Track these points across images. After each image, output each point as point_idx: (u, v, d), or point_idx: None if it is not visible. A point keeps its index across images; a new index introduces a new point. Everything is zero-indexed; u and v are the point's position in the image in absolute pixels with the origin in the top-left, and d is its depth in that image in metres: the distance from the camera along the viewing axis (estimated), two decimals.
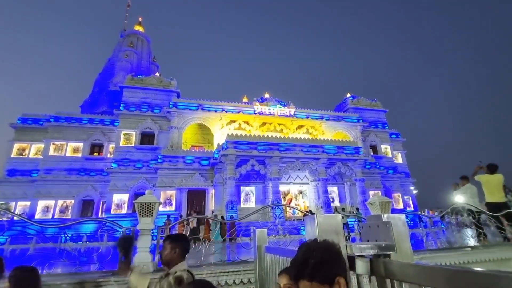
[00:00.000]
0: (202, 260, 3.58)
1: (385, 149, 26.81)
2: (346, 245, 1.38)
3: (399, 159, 27.94)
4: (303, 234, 13.71)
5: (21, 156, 21.66)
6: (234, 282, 3.29)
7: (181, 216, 17.05)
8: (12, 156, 21.49)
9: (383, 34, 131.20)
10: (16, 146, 21.85)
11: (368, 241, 1.55)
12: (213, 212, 17.95)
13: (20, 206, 20.02)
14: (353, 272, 1.40)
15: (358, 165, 19.56)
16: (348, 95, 29.40)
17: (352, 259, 1.38)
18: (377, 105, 28.90)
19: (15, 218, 18.21)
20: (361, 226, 1.71)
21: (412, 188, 26.51)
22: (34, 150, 21.98)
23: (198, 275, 3.21)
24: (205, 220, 13.88)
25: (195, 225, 13.74)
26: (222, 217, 15.36)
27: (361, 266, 1.31)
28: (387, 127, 28.05)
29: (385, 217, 1.50)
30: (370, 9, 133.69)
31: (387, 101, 34.16)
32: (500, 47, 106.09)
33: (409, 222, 14.57)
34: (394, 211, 13.03)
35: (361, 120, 26.20)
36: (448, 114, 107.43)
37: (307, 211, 15.78)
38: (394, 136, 29.14)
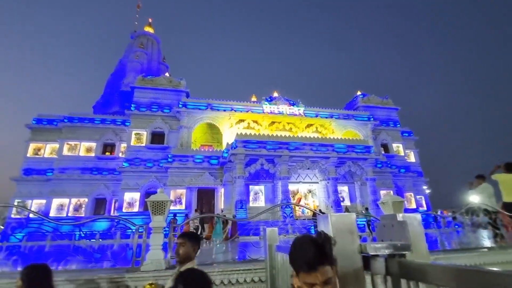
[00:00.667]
0: (213, 258, 3.61)
1: (397, 147, 26.31)
2: (360, 245, 1.37)
3: (412, 158, 27.38)
4: (312, 233, 13.63)
5: (36, 156, 22.32)
6: (245, 281, 3.30)
7: (186, 215, 17.23)
8: (28, 156, 22.16)
9: (395, 31, 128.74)
10: (32, 146, 22.53)
11: (382, 240, 1.53)
12: (222, 211, 18.07)
13: (36, 204, 20.65)
14: (367, 272, 1.39)
15: (369, 164, 19.28)
16: (359, 93, 28.98)
17: (366, 259, 1.37)
18: (388, 103, 28.37)
19: (31, 215, 18.81)
20: (370, 225, 1.69)
21: (425, 187, 25.93)
22: (49, 150, 22.61)
23: (209, 273, 3.24)
24: (209, 219, 13.98)
25: (197, 224, 13.83)
26: (234, 216, 15.43)
27: (376, 266, 1.30)
28: (399, 125, 27.49)
29: (400, 216, 1.48)
30: (384, 6, 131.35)
31: (399, 99, 33.52)
32: None
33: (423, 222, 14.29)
34: (406, 211, 12.79)
35: (372, 118, 25.78)
36: (463, 112, 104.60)
37: (316, 211, 15.67)
38: (406, 134, 28.56)
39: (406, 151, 26.87)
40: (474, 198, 7.57)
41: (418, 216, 1.51)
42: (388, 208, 4.03)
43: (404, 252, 1.35)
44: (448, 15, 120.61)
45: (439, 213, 18.90)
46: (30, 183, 21.08)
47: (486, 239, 6.10)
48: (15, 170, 21.85)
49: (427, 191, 25.96)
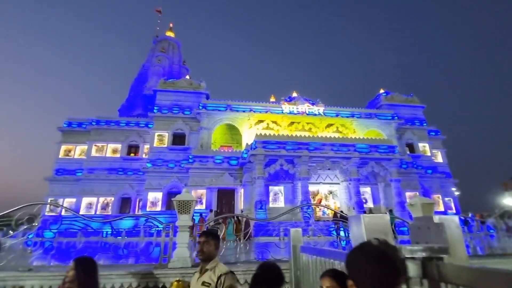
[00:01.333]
0: (237, 258, 3.64)
1: (423, 147, 25.13)
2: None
3: (439, 158, 26.05)
4: (334, 234, 13.35)
5: (67, 157, 23.63)
6: None
7: (200, 215, 17.44)
8: (59, 157, 23.52)
9: (421, 27, 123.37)
10: (63, 148, 23.87)
11: (417, 243, 1.47)
12: (242, 211, 18.17)
13: (66, 203, 21.84)
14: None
15: (393, 165, 18.59)
16: (381, 91, 28.01)
17: None
18: (413, 100, 27.17)
19: (63, 213, 19.95)
20: (394, 228, 1.63)
21: (453, 189, 24.57)
22: (78, 151, 23.87)
23: (235, 271, 3.26)
24: (223, 219, 14.07)
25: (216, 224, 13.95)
26: (250, 217, 15.47)
27: (413, 269, 1.26)
28: (425, 124, 26.24)
29: (436, 218, 1.42)
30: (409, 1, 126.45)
31: (425, 97, 32.06)
32: None
33: None
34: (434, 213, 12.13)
35: (396, 117, 24.81)
36: (494, 109, 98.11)
37: (338, 212, 15.34)
38: (433, 133, 27.22)
39: (433, 151, 25.60)
40: (510, 200, 7.09)
41: (456, 219, 1.45)
42: (417, 210, 3.85)
43: (441, 256, 1.30)
44: (479, 10, 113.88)
45: (470, 216, 17.83)
46: (62, 183, 22.35)
47: None
48: (48, 170, 23.28)
49: (456, 193, 24.57)
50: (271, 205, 18.50)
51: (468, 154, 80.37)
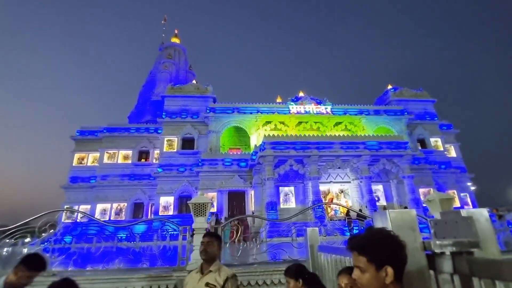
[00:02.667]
0: (254, 259, 3.64)
1: (435, 142, 24.58)
2: (423, 242, 1.30)
3: (452, 153, 25.44)
4: (347, 235, 13.18)
5: (81, 165, 24.18)
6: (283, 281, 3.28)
7: (213, 214, 17.37)
8: (73, 165, 24.09)
9: (428, 20, 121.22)
10: (77, 156, 24.44)
11: (444, 238, 1.44)
12: (253, 213, 18.15)
13: (82, 209, 22.24)
14: (431, 271, 1.31)
15: (405, 161, 18.26)
16: (389, 86, 27.60)
17: (430, 258, 1.29)
18: (423, 95, 26.63)
19: (78, 219, 20.39)
20: (434, 222, 1.60)
21: (469, 184, 23.94)
22: (91, 159, 24.38)
23: (247, 273, 3.27)
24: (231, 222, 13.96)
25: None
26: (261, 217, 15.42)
27: (443, 264, 1.23)
28: (436, 119, 25.66)
29: (464, 212, 1.38)
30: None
31: (436, 91, 31.43)
32: None
33: None
34: None
35: (406, 113, 24.37)
36: (508, 99, 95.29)
37: (353, 210, 15.15)
38: (445, 127, 26.61)
39: (446, 146, 24.99)
40: None
41: (485, 212, 1.41)
42: (435, 206, 3.78)
43: (471, 250, 1.26)
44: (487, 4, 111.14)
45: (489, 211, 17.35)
46: (77, 190, 22.87)
47: None
48: (64, 178, 23.86)
49: (472, 188, 23.92)
50: (282, 206, 18.43)
51: (484, 148, 78.28)
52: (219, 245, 2.28)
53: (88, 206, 22.05)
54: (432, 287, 1.25)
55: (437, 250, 1.25)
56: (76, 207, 22.12)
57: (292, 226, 11.19)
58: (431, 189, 19.73)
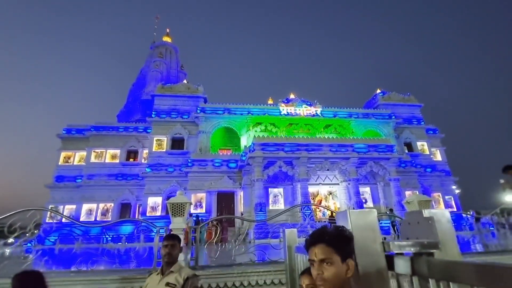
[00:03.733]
0: (233, 260, 3.60)
1: (422, 146, 25.13)
2: (383, 243, 1.29)
3: (438, 156, 26.04)
4: None
5: (67, 164, 23.58)
6: (265, 283, 3.26)
7: (191, 215, 17.23)
8: (59, 164, 23.48)
9: (416, 26, 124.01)
10: (63, 154, 23.83)
11: (407, 239, 1.44)
12: (242, 214, 18.10)
13: (67, 210, 21.76)
14: (392, 272, 1.30)
15: (392, 164, 18.57)
16: (378, 91, 28.07)
17: (390, 258, 1.29)
18: (410, 99, 27.23)
19: (63, 220, 19.87)
20: (395, 227, 1.61)
21: (454, 187, 24.52)
22: (78, 157, 23.82)
23: (229, 274, 3.23)
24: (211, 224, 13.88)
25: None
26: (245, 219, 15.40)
27: (401, 265, 1.23)
28: (423, 123, 26.27)
29: (426, 212, 1.39)
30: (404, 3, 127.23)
31: (422, 96, 32.16)
32: None
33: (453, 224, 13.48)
34: None
35: (394, 117, 24.84)
36: (492, 106, 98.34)
37: (335, 212, 15.29)
38: (431, 132, 27.23)
39: (432, 149, 25.59)
40: (510, 197, 7.06)
41: (447, 213, 1.41)
42: (414, 208, 3.84)
43: (431, 251, 1.27)
44: (473, 7, 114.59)
45: (470, 214, 17.80)
46: (62, 190, 22.28)
47: None
48: (49, 177, 23.23)
49: (457, 191, 24.52)
50: (271, 207, 18.43)
51: (468, 152, 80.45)
52: (179, 247, 2.33)
53: (74, 206, 21.53)
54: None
55: (396, 251, 1.25)
56: (61, 207, 21.62)
57: (281, 228, 11.20)
58: (417, 191, 20.12)
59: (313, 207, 17.14)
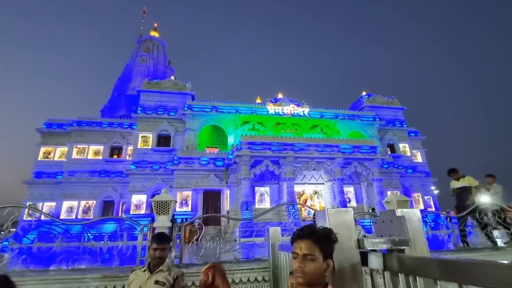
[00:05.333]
0: (217, 258, 3.63)
1: (404, 147, 25.98)
2: (358, 240, 1.37)
3: (419, 158, 26.99)
4: None
5: (46, 159, 22.73)
6: (248, 280, 3.32)
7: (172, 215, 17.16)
8: (38, 159, 22.59)
9: (400, 30, 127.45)
10: (42, 149, 22.95)
11: (381, 236, 1.53)
12: (228, 213, 18.10)
13: (46, 207, 21.01)
14: (366, 268, 1.38)
15: (375, 165, 19.09)
16: (364, 93, 28.75)
17: (364, 254, 1.37)
18: (394, 102, 28.08)
19: (42, 218, 19.17)
20: (375, 221, 1.69)
21: (433, 188, 25.51)
22: (58, 153, 23.01)
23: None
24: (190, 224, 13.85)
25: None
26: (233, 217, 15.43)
27: (374, 261, 1.30)
28: (405, 125, 27.16)
29: (399, 212, 1.47)
30: (388, 3, 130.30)
31: (405, 99, 33.17)
32: None
33: (430, 223, 14.05)
34: None
35: (378, 119, 25.54)
36: (471, 111, 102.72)
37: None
38: (413, 134, 28.18)
39: (413, 151, 26.50)
40: (485, 198, 7.44)
41: (417, 212, 1.51)
42: (393, 207, 4.00)
43: (402, 247, 1.35)
44: (454, 13, 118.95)
45: (448, 213, 18.58)
46: (41, 186, 21.47)
47: (497, 239, 5.99)
48: (27, 173, 22.32)
49: (436, 192, 25.52)
50: (257, 206, 18.53)
51: (447, 154, 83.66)
52: (169, 248, 2.34)
53: (54, 203, 20.81)
54: (364, 283, 1.34)
55: (370, 248, 1.33)
56: (40, 204, 20.86)
57: (266, 226, 11.30)
58: (398, 191, 20.80)
59: (298, 206, 17.36)
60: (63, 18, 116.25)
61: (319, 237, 1.21)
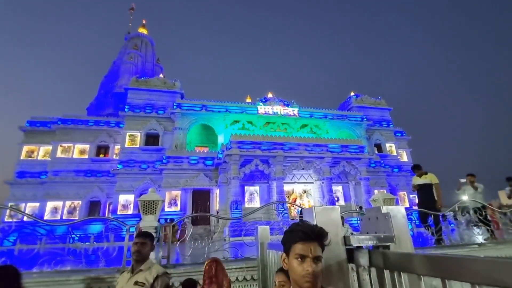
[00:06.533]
0: (205, 257, 3.60)
1: (390, 147, 26.56)
2: (344, 237, 1.38)
3: (404, 158, 27.66)
4: None
5: (30, 159, 22.01)
6: (237, 279, 3.31)
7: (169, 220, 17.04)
8: (21, 158, 21.84)
9: (390, 32, 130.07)
10: (25, 148, 22.21)
11: (367, 233, 1.55)
12: (217, 212, 18.02)
13: (29, 208, 20.36)
14: (352, 264, 1.40)
15: (362, 164, 19.43)
16: (352, 93, 29.22)
17: (351, 251, 1.38)
18: (381, 103, 28.67)
19: (25, 219, 18.54)
20: (362, 218, 1.72)
21: None
22: (42, 152, 22.32)
23: (201, 272, 3.23)
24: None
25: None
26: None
27: (360, 258, 1.32)
28: (391, 126, 27.78)
29: (384, 209, 1.50)
30: (375, 4, 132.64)
31: (392, 99, 33.92)
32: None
33: (415, 220, 14.41)
34: None
35: (365, 119, 26.01)
36: (455, 111, 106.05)
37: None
38: (399, 134, 28.85)
39: (399, 151, 27.15)
40: (464, 196, 7.69)
41: (402, 209, 1.54)
42: (379, 206, 4.08)
43: (387, 244, 1.37)
44: (438, 14, 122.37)
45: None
46: (24, 186, 20.77)
47: (478, 235, 6.22)
48: (9, 173, 21.53)
49: None
50: (246, 205, 18.51)
51: (430, 153, 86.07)
52: (151, 245, 2.28)
53: (37, 204, 20.18)
54: (350, 279, 1.35)
55: (356, 244, 1.35)
56: (22, 205, 20.19)
57: (255, 225, 11.31)
58: (384, 190, 21.24)
59: (288, 205, 17.47)
60: (46, 13, 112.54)
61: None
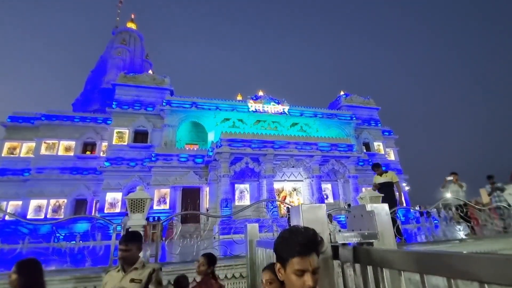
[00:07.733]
0: (194, 256, 3.60)
1: (378, 146, 27.10)
2: (330, 234, 1.42)
3: (392, 156, 28.28)
4: None
5: (12, 155, 21.27)
6: (226, 276, 3.32)
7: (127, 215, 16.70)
8: (2, 155, 21.09)
9: (380, 33, 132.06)
10: (7, 145, 21.45)
11: (353, 230, 1.59)
12: (207, 210, 17.96)
13: (11, 206, 19.71)
14: (337, 261, 1.44)
15: (351, 162, 19.75)
16: (342, 93, 29.60)
17: (336, 248, 1.42)
18: (370, 102, 29.19)
19: (7, 218, 17.95)
20: (347, 216, 1.76)
21: (404, 184, 26.86)
22: (25, 149, 21.60)
23: (191, 269, 3.23)
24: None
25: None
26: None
27: (345, 254, 1.36)
28: (379, 125, 28.35)
29: (368, 207, 1.54)
30: (365, 3, 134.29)
31: (380, 98, 34.54)
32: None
33: (401, 218, 14.80)
34: None
35: (354, 118, 26.42)
36: (442, 110, 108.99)
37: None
38: (387, 133, 29.46)
39: (387, 150, 27.73)
40: (448, 194, 7.95)
41: (386, 207, 1.58)
42: (365, 203, 4.17)
43: (371, 241, 1.42)
44: (428, 14, 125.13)
45: (417, 209, 19.67)
46: (6, 184, 20.06)
47: (460, 232, 6.45)
48: None
49: (407, 188, 26.90)
50: (237, 203, 18.54)
51: (417, 152, 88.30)
52: (138, 246, 2.24)
53: (20, 202, 19.55)
54: (336, 276, 1.39)
55: (341, 242, 1.39)
56: (4, 203, 19.52)
57: (245, 223, 11.35)
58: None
59: (277, 203, 17.58)
60: (29, 5, 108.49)
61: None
